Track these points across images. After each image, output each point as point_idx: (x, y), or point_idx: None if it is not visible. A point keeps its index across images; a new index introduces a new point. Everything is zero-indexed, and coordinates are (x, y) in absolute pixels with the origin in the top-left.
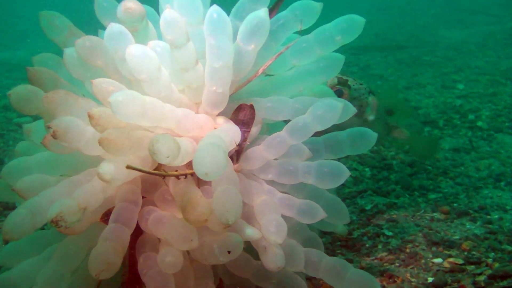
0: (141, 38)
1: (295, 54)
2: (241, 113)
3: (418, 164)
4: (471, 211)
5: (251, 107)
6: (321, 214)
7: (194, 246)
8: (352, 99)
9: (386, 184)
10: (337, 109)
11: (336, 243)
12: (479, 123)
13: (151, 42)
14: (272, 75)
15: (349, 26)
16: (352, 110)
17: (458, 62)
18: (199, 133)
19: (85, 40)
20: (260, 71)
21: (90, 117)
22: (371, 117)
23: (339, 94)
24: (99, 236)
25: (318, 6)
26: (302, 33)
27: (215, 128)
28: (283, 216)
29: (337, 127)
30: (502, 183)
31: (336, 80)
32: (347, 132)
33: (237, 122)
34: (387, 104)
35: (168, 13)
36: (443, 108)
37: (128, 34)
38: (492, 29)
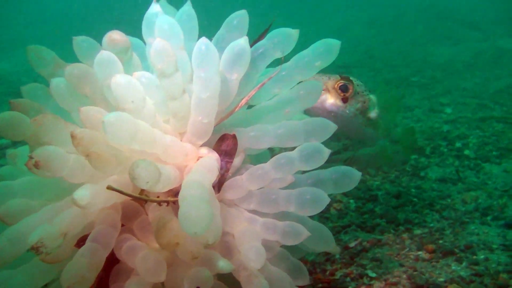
0: (126, 69)
1: (276, 82)
2: (224, 143)
3: (404, 196)
4: (456, 250)
5: (234, 137)
6: (305, 233)
7: (161, 279)
8: (355, 94)
9: (371, 217)
10: (324, 155)
11: (318, 285)
12: (466, 152)
13: (137, 72)
14: (254, 105)
15: (326, 50)
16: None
17: (446, 83)
18: (183, 162)
19: (74, 68)
20: (243, 101)
21: (73, 137)
22: (373, 114)
23: (345, 88)
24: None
25: (295, 32)
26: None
27: (199, 157)
28: (267, 243)
29: (341, 124)
30: (489, 218)
31: (338, 76)
32: (330, 170)
33: (220, 152)
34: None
35: (159, 42)
36: (431, 134)
37: (117, 62)
38: (481, 46)
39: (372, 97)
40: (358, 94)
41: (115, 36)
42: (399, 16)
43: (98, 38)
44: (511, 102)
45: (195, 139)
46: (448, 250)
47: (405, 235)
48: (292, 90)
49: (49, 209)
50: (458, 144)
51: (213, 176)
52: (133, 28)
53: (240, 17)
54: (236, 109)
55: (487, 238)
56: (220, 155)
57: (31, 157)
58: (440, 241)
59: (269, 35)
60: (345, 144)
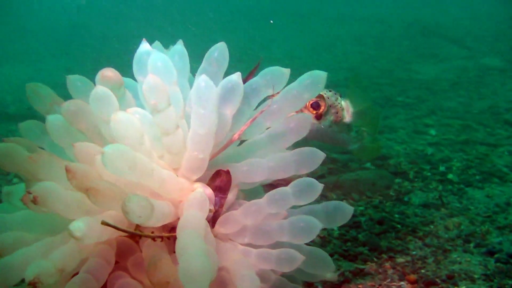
0: (119, 105)
1: (267, 116)
2: (218, 179)
3: (387, 222)
4: (438, 281)
5: (228, 173)
6: (299, 258)
7: None
8: (328, 108)
9: (354, 245)
10: (317, 190)
11: None
12: (450, 176)
13: (130, 109)
14: (246, 140)
15: (312, 82)
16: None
17: (431, 103)
18: (178, 197)
19: (70, 104)
20: (236, 136)
21: (67, 170)
22: (347, 119)
23: (316, 106)
24: None
25: (286, 71)
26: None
27: (192, 191)
28: (263, 273)
29: (316, 137)
30: (472, 244)
31: None
32: (322, 205)
33: (214, 188)
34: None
35: (151, 78)
36: (414, 157)
37: (112, 97)
38: (465, 64)
39: (343, 103)
40: (330, 107)
41: (108, 73)
42: (385, 32)
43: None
44: (494, 123)
45: (190, 174)
46: (430, 281)
47: (387, 264)
48: (283, 123)
49: (43, 243)
50: (441, 168)
51: (205, 213)
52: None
53: (220, 50)
54: (229, 145)
55: (469, 267)
56: (214, 190)
57: (29, 192)
58: (422, 271)
59: (261, 72)
60: (330, 168)
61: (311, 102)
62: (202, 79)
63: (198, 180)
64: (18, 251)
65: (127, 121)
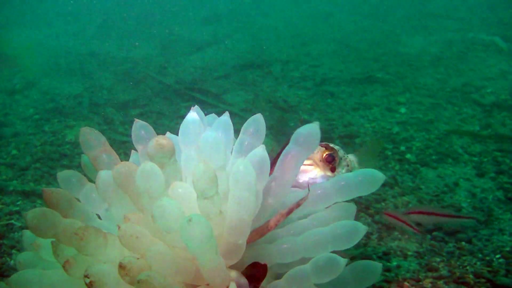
0: (167, 174)
1: (312, 201)
2: (254, 269)
3: None
4: (374, 257)
5: (264, 266)
6: None
7: None
8: (340, 160)
9: None
10: (340, 266)
11: None
12: (408, 156)
13: (175, 183)
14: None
15: (369, 181)
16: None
17: (408, 80)
18: (219, 285)
19: (123, 166)
20: (273, 226)
21: (121, 267)
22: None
23: (331, 159)
24: None
25: (317, 131)
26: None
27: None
28: None
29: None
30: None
31: (321, 147)
32: (349, 267)
33: (248, 277)
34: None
35: (204, 166)
36: (381, 135)
37: (159, 175)
38: (452, 37)
39: (351, 157)
40: (341, 159)
41: (163, 141)
42: (383, 0)
43: None
44: (463, 102)
45: (227, 259)
46: (366, 256)
47: None
48: (328, 211)
49: None
50: (402, 148)
51: None
52: None
53: (256, 122)
54: (266, 233)
55: (406, 244)
56: (248, 279)
57: (86, 276)
58: (364, 247)
59: (295, 139)
60: None
61: (326, 154)
62: (242, 164)
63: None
64: None
65: (171, 209)
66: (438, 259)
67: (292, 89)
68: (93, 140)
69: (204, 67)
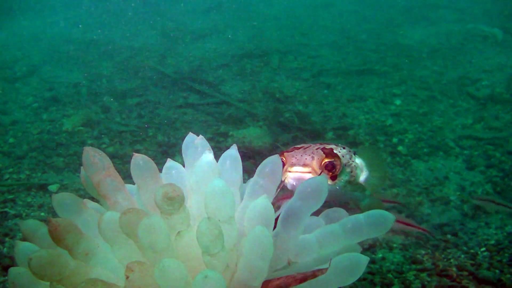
0: (174, 221)
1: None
2: None
3: None
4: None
5: None
6: None
7: None
8: (343, 167)
9: None
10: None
11: None
12: (400, 148)
13: (181, 233)
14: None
15: (378, 222)
16: None
17: (405, 72)
18: None
19: (131, 215)
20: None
21: None
22: (362, 178)
23: (332, 167)
24: None
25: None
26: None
27: None
28: None
29: (331, 198)
30: (403, 215)
31: (321, 152)
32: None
33: None
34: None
35: (208, 223)
36: (374, 127)
37: (163, 229)
38: (452, 29)
39: (358, 161)
40: (345, 166)
41: (172, 194)
42: None
43: None
44: (458, 95)
45: None
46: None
47: None
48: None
49: None
50: (395, 140)
51: None
52: None
53: (272, 163)
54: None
55: (392, 237)
56: None
57: None
58: None
59: (300, 193)
60: (294, 136)
61: (326, 162)
62: (258, 229)
63: None
64: None
65: (173, 270)
66: (423, 252)
67: (289, 80)
68: (97, 163)
69: (203, 57)
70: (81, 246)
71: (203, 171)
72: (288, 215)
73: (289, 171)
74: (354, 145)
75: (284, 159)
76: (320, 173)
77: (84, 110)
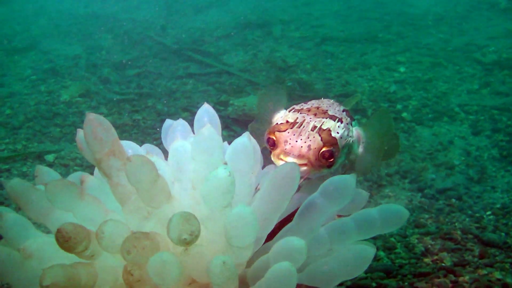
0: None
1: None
2: None
3: None
4: None
5: None
6: None
7: None
8: (341, 149)
9: None
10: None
11: None
12: (404, 114)
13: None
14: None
15: (392, 216)
16: None
17: (409, 40)
18: None
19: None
20: None
21: None
22: (360, 150)
23: (330, 155)
24: None
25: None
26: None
27: None
28: None
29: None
30: (407, 180)
31: (319, 140)
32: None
33: None
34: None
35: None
36: (377, 94)
37: (177, 267)
38: None
39: (355, 132)
40: (343, 147)
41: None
42: None
43: None
44: (464, 61)
45: None
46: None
47: None
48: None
49: None
50: (398, 106)
51: None
52: None
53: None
54: None
55: (396, 202)
56: None
57: None
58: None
59: (323, 189)
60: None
61: (323, 150)
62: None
63: None
64: None
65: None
66: (426, 216)
67: (292, 49)
68: (100, 139)
69: (204, 28)
70: (89, 250)
71: (204, 140)
72: (306, 210)
73: (282, 159)
74: (356, 111)
75: (274, 138)
76: (316, 161)
77: (83, 81)
